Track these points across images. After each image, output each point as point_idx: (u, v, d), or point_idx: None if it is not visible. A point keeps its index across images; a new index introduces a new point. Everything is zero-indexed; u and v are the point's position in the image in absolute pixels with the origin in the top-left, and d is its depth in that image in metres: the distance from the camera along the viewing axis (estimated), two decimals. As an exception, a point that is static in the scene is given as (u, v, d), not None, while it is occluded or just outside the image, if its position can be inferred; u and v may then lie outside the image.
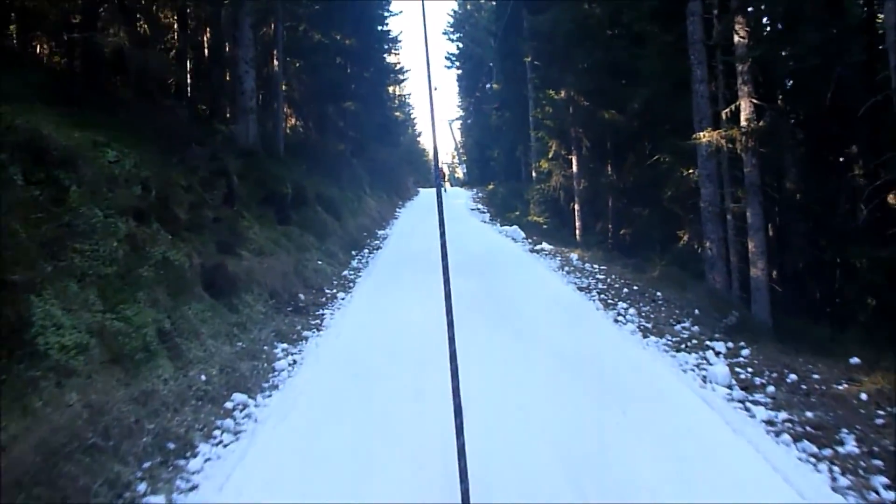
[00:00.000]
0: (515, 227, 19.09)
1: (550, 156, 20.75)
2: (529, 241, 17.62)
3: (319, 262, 11.35)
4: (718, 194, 12.01)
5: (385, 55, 37.26)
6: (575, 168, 20.46)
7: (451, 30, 49.27)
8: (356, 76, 26.27)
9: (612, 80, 19.29)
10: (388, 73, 39.03)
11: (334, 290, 10.43)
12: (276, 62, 16.66)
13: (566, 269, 12.85)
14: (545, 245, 16.15)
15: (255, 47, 13.65)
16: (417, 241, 16.45)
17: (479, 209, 27.22)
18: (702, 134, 11.50)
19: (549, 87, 20.21)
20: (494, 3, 34.40)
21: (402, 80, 47.72)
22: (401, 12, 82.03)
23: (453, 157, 71.15)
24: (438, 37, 52.58)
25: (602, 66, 19.35)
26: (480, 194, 34.79)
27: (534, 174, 25.30)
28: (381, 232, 19.22)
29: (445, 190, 59.44)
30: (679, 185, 16.62)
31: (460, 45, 48.93)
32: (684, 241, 16.32)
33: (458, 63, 50.15)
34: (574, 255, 14.27)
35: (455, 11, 48.94)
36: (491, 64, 39.35)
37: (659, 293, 9.96)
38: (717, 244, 11.62)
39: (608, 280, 11.40)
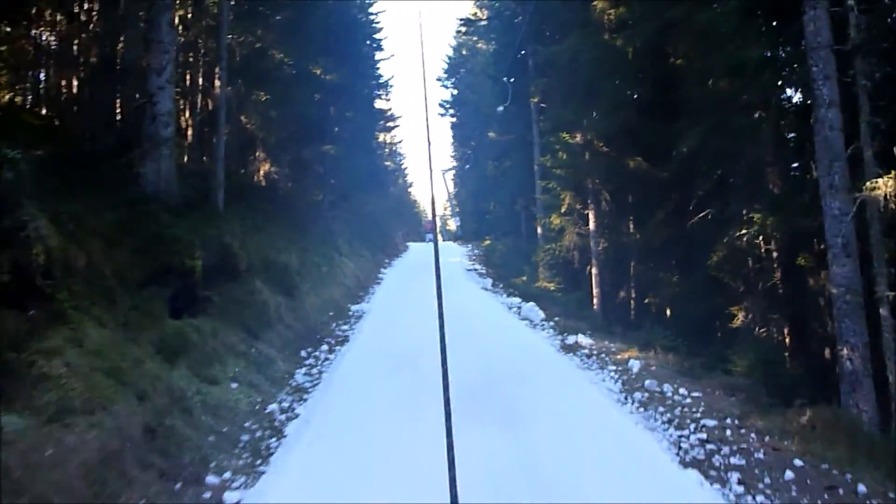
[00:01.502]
0: (531, 304, 14.88)
1: (563, 210, 17.55)
2: (552, 325, 13.27)
3: (233, 387, 7.10)
4: (859, 275, 8.22)
5: (375, 99, 34.75)
6: (592, 225, 17.27)
7: (446, 76, 46.86)
8: (339, 117, 23.22)
9: (642, 121, 16.27)
10: (377, 118, 36.40)
11: (231, 460, 5.60)
12: (217, 83, 13.16)
13: (638, 397, 7.90)
14: (581, 338, 11.17)
15: (176, 57, 10.34)
16: (402, 328, 12.26)
17: (476, 270, 23.85)
18: (879, 182, 7.47)
19: (564, 130, 17.11)
20: (494, 45, 31.78)
21: (393, 128, 45.20)
22: (392, 56, 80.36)
23: (445, 209, 68.34)
24: (432, 83, 50.14)
25: (630, 104, 16.35)
26: (476, 251, 31.54)
27: (539, 230, 22.08)
28: (354, 308, 14.72)
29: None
30: (735, 249, 13.42)
31: (455, 92, 46.44)
32: (740, 320, 13.01)
33: (452, 111, 47.66)
34: (634, 363, 9.24)
35: (450, 57, 46.59)
36: (497, 107, 36.62)
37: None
38: (860, 352, 7.84)
39: (727, 432, 6.35)
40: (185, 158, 14.92)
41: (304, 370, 9.10)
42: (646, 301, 17.16)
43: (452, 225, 60.81)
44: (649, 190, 16.98)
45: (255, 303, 9.31)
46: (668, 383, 8.32)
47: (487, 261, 26.77)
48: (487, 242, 31.33)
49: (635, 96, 16.64)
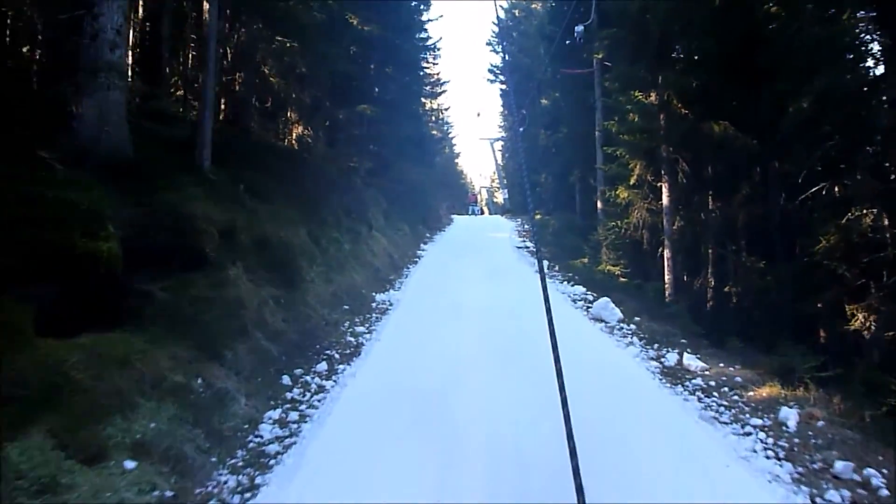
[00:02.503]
0: (605, 300, 11.34)
1: (632, 182, 15.11)
2: (634, 329, 10.04)
3: (127, 467, 4.02)
4: None
5: (421, 61, 32.60)
6: (665, 200, 14.81)
7: (496, 40, 44.15)
8: (379, 76, 21.04)
9: (727, 81, 13.75)
10: (422, 82, 34.29)
11: None
12: (206, 6, 10.77)
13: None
14: (686, 358, 7.83)
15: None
16: (438, 331, 9.27)
17: (527, 248, 21.48)
18: None
19: (636, 89, 14.62)
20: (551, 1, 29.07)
21: (441, 93, 42.89)
22: (441, 16, 77.38)
23: (493, 181, 65.96)
24: (481, 48, 47.41)
25: (713, 61, 13.80)
26: (526, 226, 29.15)
27: (600, 205, 19.65)
28: (380, 298, 11.62)
29: (481, 212, 54.25)
30: (849, 233, 10.93)
31: (506, 56, 43.67)
32: (860, 321, 10.54)
33: (502, 77, 44.98)
34: (786, 412, 6.03)
35: (501, 19, 43.76)
36: (545, 71, 34.09)
37: None
38: None
39: None
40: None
41: (277, 415, 5.90)
42: (726, 289, 14.78)
43: (500, 197, 58.29)
44: (735, 160, 14.49)
45: (223, 301, 6.43)
46: (872, 467, 4.90)
47: (540, 238, 24.39)
48: (538, 217, 28.92)
49: (721, 51, 14.03)
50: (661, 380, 7.38)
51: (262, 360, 6.63)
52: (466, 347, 8.14)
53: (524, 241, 23.48)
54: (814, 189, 11.99)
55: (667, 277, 14.80)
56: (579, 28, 12.90)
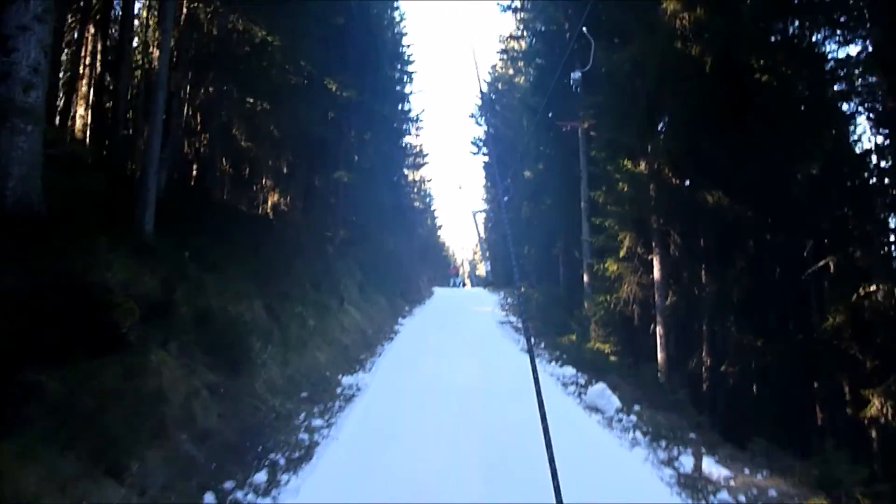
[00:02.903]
0: (601, 386, 9.91)
1: (622, 254, 14.28)
2: (635, 421, 8.48)
3: None
4: None
5: (404, 134, 32.43)
6: (657, 274, 13.99)
7: (479, 112, 44.28)
8: (358, 143, 20.40)
9: (721, 147, 13.16)
10: (404, 153, 34.00)
11: None
12: (155, 53, 9.92)
13: None
14: (707, 464, 6.50)
15: None
16: (415, 427, 7.86)
17: (511, 322, 20.44)
18: None
19: (623, 156, 13.98)
20: (534, 72, 28.96)
21: (423, 165, 42.68)
22: (422, 91, 78.14)
23: (475, 253, 65.50)
24: (465, 120, 47.52)
25: (706, 127, 13.24)
26: (509, 299, 28.19)
27: (586, 278, 18.80)
28: (346, 381, 10.03)
29: (463, 285, 53.30)
30: (861, 310, 10.08)
31: (489, 129, 43.72)
32: (875, 408, 9.54)
33: (485, 149, 44.90)
34: None
35: (484, 93, 43.96)
36: (528, 143, 33.92)
37: None
38: None
39: None
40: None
41: None
42: (723, 369, 13.84)
43: (482, 270, 57.50)
44: (729, 231, 13.79)
45: (137, 394, 5.09)
46: None
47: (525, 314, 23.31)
48: (522, 290, 28.01)
49: (712, 117, 13.48)
50: (679, 493, 6.07)
51: (183, 470, 5.09)
52: (443, 450, 6.85)
53: (507, 316, 22.46)
54: (821, 263, 11.13)
55: (660, 356, 13.83)
56: (576, 74, 12.26)
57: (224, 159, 17.41)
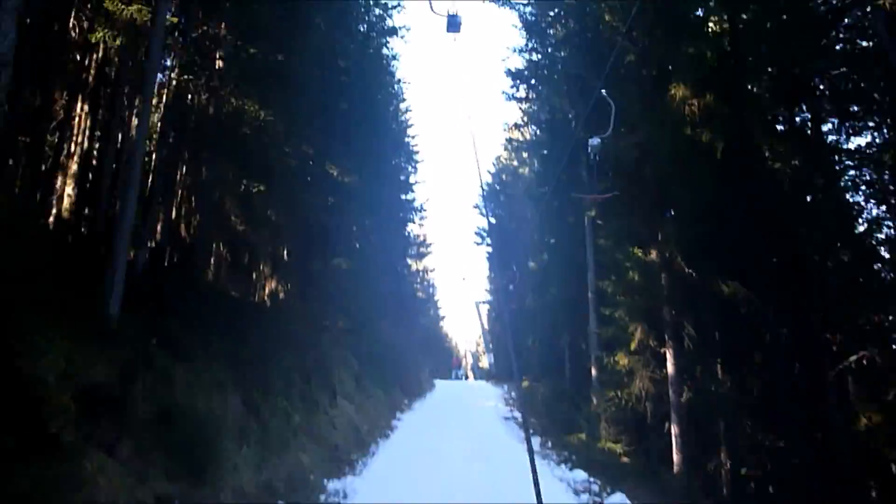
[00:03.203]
0: (618, 496, 9.59)
1: (633, 347, 13.49)
2: None
3: None
4: None
5: (407, 223, 32.30)
6: (670, 368, 13.17)
7: (483, 203, 44.30)
8: (359, 229, 19.98)
9: (736, 236, 12.66)
10: (407, 241, 33.73)
11: None
12: (130, 108, 9.39)
13: None
14: None
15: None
16: None
17: (515, 419, 19.38)
18: None
19: (633, 245, 13.43)
20: (538, 163, 28.96)
21: (426, 254, 42.42)
22: (425, 181, 78.97)
23: (478, 345, 64.30)
24: (469, 211, 47.72)
25: (719, 214, 12.76)
26: (513, 393, 27.08)
27: (594, 372, 17.88)
28: (333, 489, 8.96)
29: (465, 377, 51.86)
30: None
31: (492, 220, 43.57)
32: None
33: (488, 240, 44.68)
34: None
35: (488, 184, 44.11)
36: (533, 234, 33.67)
37: None
38: None
39: None
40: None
41: None
42: (743, 473, 12.84)
43: (485, 362, 56.18)
44: (747, 324, 13.11)
45: None
46: None
47: (528, 408, 22.16)
48: (526, 384, 26.95)
49: (725, 205, 13.03)
50: None
51: None
52: None
53: (512, 411, 21.37)
54: (853, 359, 10.34)
55: (675, 457, 12.81)
56: (594, 141, 11.71)
57: (221, 244, 16.93)
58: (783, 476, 12.48)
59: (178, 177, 13.06)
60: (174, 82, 11.22)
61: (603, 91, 11.32)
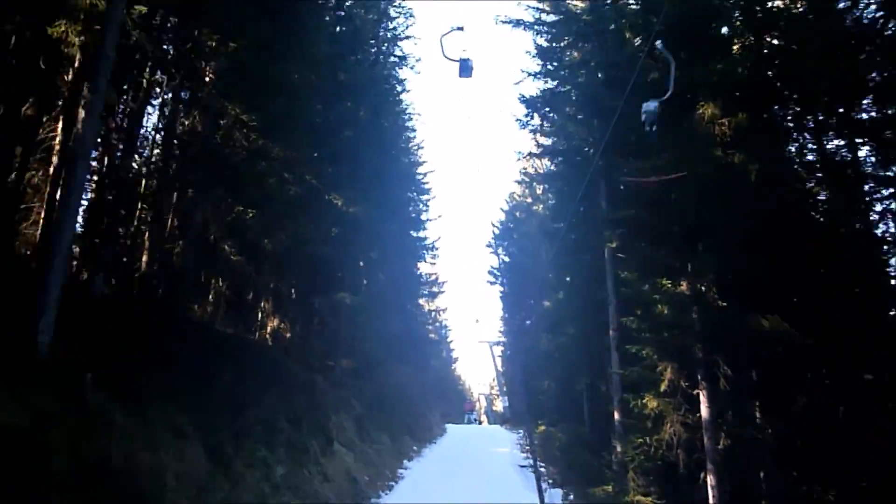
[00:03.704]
0: None
1: (662, 389, 12.25)
2: None
3: None
4: None
5: (419, 260, 31.43)
6: (704, 412, 11.93)
7: (496, 242, 43.22)
8: (367, 264, 18.96)
9: (776, 266, 11.57)
10: (418, 280, 32.75)
11: None
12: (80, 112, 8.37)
13: None
14: None
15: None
16: None
17: (532, 468, 17.94)
18: None
19: (663, 277, 12.28)
20: (553, 195, 28.03)
21: (438, 293, 41.32)
22: (440, 216, 77.07)
23: (492, 388, 62.65)
24: (482, 249, 46.83)
25: (755, 243, 11.64)
26: (528, 439, 25.58)
27: (617, 416, 16.49)
28: None
29: (478, 422, 50.21)
30: None
31: (506, 259, 42.44)
32: None
33: (502, 279, 43.49)
34: None
35: (502, 222, 43.06)
36: (547, 273, 32.57)
37: None
38: None
39: None
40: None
41: None
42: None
43: (499, 405, 54.49)
44: (787, 362, 11.89)
45: None
46: None
47: (545, 454, 20.70)
48: (542, 429, 25.51)
49: (762, 233, 11.90)
50: None
51: None
52: None
53: (528, 459, 19.93)
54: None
55: (712, 511, 11.46)
56: (651, 105, 10.24)
57: (220, 280, 15.96)
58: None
59: (171, 202, 12.14)
60: (165, 98, 10.36)
61: (659, 44, 10.30)
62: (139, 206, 11.09)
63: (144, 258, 11.34)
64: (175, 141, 10.89)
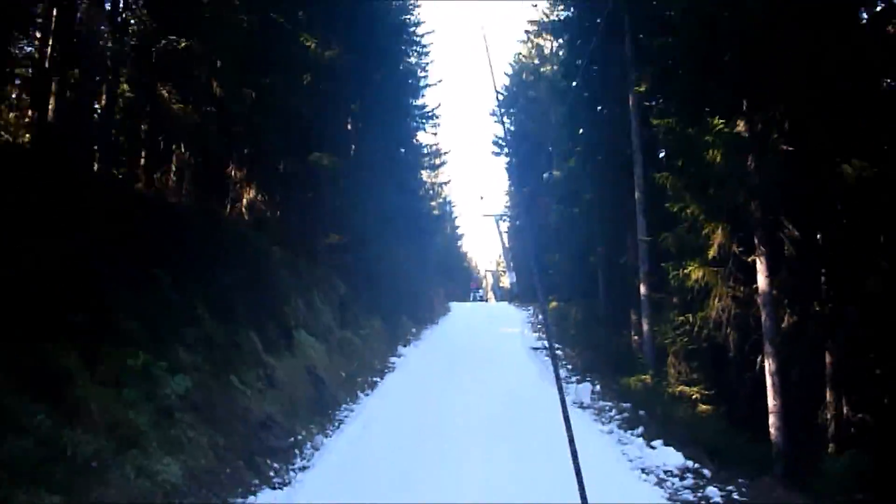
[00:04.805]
0: None
1: (711, 256, 9.91)
2: None
3: None
4: None
5: (418, 130, 28.80)
6: (763, 284, 9.61)
7: (501, 110, 40.04)
8: (357, 127, 16.32)
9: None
10: (418, 150, 30.17)
11: None
12: None
13: None
14: None
15: None
16: None
17: (547, 351, 16.02)
18: None
19: (715, 116, 9.60)
20: (563, 50, 24.86)
21: (440, 165, 38.68)
22: (440, 81, 72.29)
23: (499, 264, 61.21)
24: (484, 118, 43.71)
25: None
26: (541, 317, 23.76)
27: (643, 290, 14.32)
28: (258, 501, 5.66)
29: (485, 300, 49.04)
30: None
31: (511, 128, 39.31)
32: None
33: (507, 149, 40.59)
34: None
35: (506, 87, 39.56)
36: (551, 148, 30.04)
37: None
38: None
39: None
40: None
41: None
42: (858, 416, 9.56)
43: (506, 281, 53.04)
44: (869, 223, 9.48)
45: None
46: None
47: (561, 335, 18.69)
48: (553, 305, 23.62)
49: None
50: None
51: None
52: None
53: (542, 340, 17.99)
54: None
55: (771, 403, 9.41)
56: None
57: (182, 147, 13.46)
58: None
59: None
60: None
61: None
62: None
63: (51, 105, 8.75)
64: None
